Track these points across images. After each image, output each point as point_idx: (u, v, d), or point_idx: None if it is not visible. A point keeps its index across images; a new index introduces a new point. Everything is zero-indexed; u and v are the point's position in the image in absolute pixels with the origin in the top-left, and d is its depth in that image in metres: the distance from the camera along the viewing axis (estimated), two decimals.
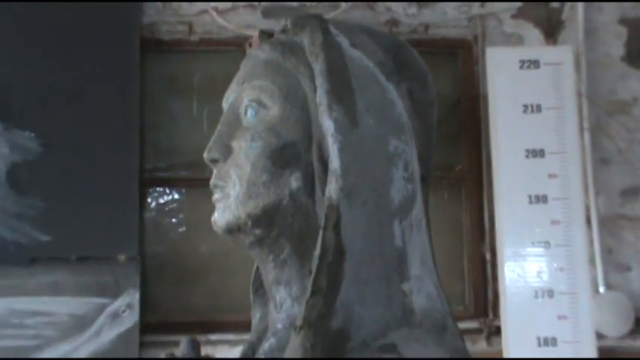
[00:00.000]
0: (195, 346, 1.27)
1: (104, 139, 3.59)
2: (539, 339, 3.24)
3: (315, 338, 1.11)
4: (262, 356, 1.29)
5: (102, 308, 3.47)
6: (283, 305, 1.29)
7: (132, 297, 3.48)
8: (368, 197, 1.21)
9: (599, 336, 3.46)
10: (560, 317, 3.24)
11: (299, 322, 1.13)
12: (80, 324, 3.46)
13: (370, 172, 1.22)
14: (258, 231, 1.27)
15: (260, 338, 1.35)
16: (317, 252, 1.16)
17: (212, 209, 1.31)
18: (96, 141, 3.58)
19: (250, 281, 1.43)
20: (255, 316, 1.41)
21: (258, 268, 1.37)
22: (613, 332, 3.58)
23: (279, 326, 1.29)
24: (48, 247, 3.50)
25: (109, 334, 3.46)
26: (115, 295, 3.49)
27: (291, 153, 1.26)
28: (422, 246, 1.28)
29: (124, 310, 3.47)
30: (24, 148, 3.55)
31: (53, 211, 3.52)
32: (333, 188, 1.18)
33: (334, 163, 1.19)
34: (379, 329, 1.18)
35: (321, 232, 1.17)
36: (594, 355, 3.29)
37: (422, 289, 1.25)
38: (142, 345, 3.48)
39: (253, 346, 1.35)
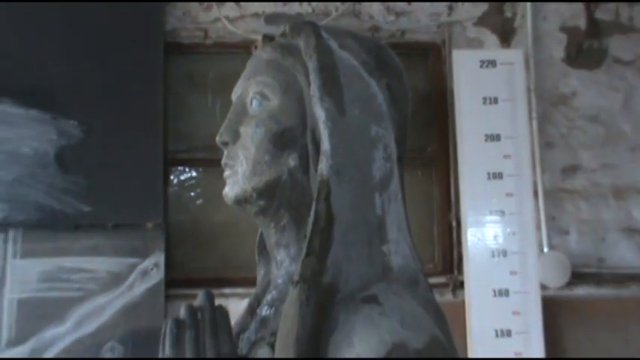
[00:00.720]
0: (210, 298, 1.25)
1: (134, 126, 3.59)
2: (494, 290, 3.25)
3: (309, 291, 1.11)
4: (266, 306, 1.29)
5: (133, 267, 3.47)
6: (283, 264, 1.29)
7: (158, 258, 3.48)
8: (353, 174, 1.21)
9: (543, 287, 3.48)
10: (512, 273, 3.25)
11: (296, 278, 1.13)
12: (116, 280, 3.46)
13: (355, 153, 1.22)
14: (261, 202, 1.27)
15: (264, 291, 1.36)
16: (311, 219, 1.16)
17: (224, 185, 1.31)
18: (127, 128, 3.58)
19: (255, 245, 1.42)
20: (260, 273, 1.41)
21: (262, 233, 1.37)
22: (554, 284, 3.60)
23: (280, 281, 1.29)
24: (89, 216, 3.51)
25: (140, 288, 3.46)
26: (144, 256, 3.49)
27: (289, 137, 1.27)
28: (398, 215, 1.28)
29: (151, 269, 3.47)
30: (69, 134, 3.55)
31: (93, 187, 3.52)
32: (324, 166, 1.19)
33: (325, 145, 1.20)
34: (363, 283, 1.18)
35: (314, 203, 1.17)
36: (539, 302, 3.28)
37: (398, 250, 1.25)
38: (167, 297, 3.48)
39: (258, 297, 1.36)
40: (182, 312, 1.24)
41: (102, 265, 3.47)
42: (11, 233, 3.47)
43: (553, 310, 3.34)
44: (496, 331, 3.18)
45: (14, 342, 3.38)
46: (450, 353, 1.17)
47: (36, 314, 3.42)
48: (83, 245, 3.49)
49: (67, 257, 3.48)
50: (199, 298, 1.26)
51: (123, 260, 3.48)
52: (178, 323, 1.23)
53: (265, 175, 1.26)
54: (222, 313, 1.25)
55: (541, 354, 3.18)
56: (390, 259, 1.24)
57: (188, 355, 1.21)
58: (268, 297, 1.30)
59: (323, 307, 1.12)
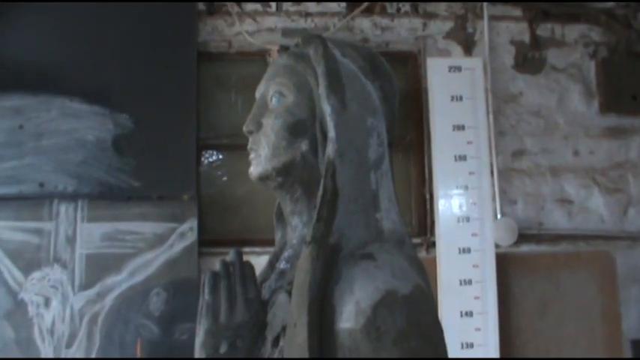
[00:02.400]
0: (239, 254, 1.25)
1: (173, 118, 3.58)
2: (459, 249, 3.25)
3: (319, 250, 1.11)
4: (283, 261, 1.29)
5: (173, 230, 3.47)
6: (297, 228, 1.29)
7: (192, 223, 3.48)
8: (353, 156, 1.20)
9: (497, 246, 3.48)
10: (473, 234, 3.25)
11: (308, 239, 1.12)
12: (159, 240, 3.46)
13: (355, 140, 1.22)
14: (279, 179, 1.27)
15: (281, 250, 1.35)
16: (320, 193, 1.16)
17: (245, 165, 1.31)
18: (168, 119, 3.57)
19: (274, 213, 1.41)
20: (277, 235, 1.40)
21: (279, 204, 1.36)
22: (505, 243, 3.60)
23: (294, 242, 1.29)
24: (138, 190, 3.51)
25: (178, 247, 3.46)
26: (181, 221, 3.48)
27: (301, 127, 1.26)
28: (388, 189, 1.27)
29: (187, 231, 3.47)
30: (122, 125, 3.55)
31: (141, 166, 3.52)
32: (330, 150, 1.18)
33: (331, 133, 1.19)
34: (361, 244, 1.17)
35: (322, 180, 1.17)
36: (493, 258, 3.29)
37: (389, 217, 1.25)
38: (200, 254, 3.48)
39: (277, 255, 1.36)
40: (217, 266, 1.24)
41: (149, 228, 3.47)
42: (79, 203, 3.48)
43: (504, 263, 3.35)
44: (460, 280, 3.18)
45: (84, 287, 3.41)
46: (429, 298, 1.17)
47: (99, 266, 3.43)
48: (134, 212, 3.49)
49: (122, 222, 3.48)
50: (230, 254, 1.26)
51: (165, 224, 3.48)
52: (215, 275, 1.23)
53: (283, 157, 1.25)
54: (249, 267, 1.26)
55: (494, 298, 3.18)
56: (382, 224, 1.23)
57: (223, 299, 1.22)
58: (285, 254, 1.30)
59: (329, 262, 1.12)
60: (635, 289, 3.95)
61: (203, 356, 1.22)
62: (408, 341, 1.05)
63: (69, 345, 3.35)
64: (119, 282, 3.41)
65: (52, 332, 3.36)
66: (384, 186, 1.26)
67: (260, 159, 1.27)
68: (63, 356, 3.33)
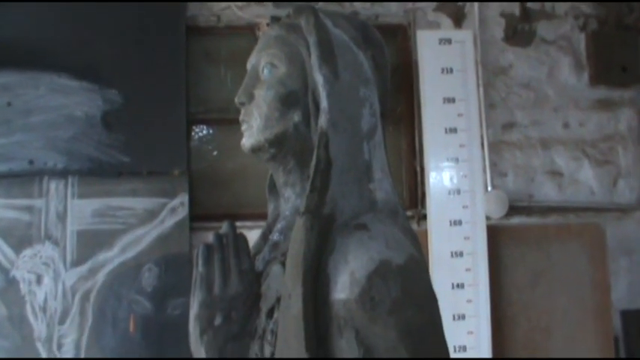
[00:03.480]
0: (233, 226, 1.25)
1: (163, 93, 3.56)
2: (450, 221, 3.24)
3: (313, 220, 1.10)
4: (276, 233, 1.28)
5: (164, 205, 3.46)
6: (290, 200, 1.28)
7: (183, 198, 3.47)
8: (346, 126, 1.19)
9: (487, 218, 3.48)
10: (464, 207, 3.24)
11: (302, 210, 1.12)
12: (150, 215, 3.46)
13: (347, 110, 1.21)
14: (272, 150, 1.25)
15: (274, 221, 1.34)
16: (313, 163, 1.15)
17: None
18: (157, 95, 3.55)
19: (266, 185, 1.40)
20: (270, 208, 1.39)
21: (272, 175, 1.35)
22: (495, 215, 3.61)
23: (287, 213, 1.28)
24: (128, 165, 3.49)
25: (169, 222, 3.46)
26: (172, 196, 3.48)
27: (294, 98, 1.24)
28: (381, 159, 1.26)
29: (178, 207, 3.46)
30: (111, 101, 3.53)
31: (131, 142, 3.51)
32: (323, 120, 1.17)
33: (323, 103, 1.18)
34: (354, 214, 1.17)
35: (315, 150, 1.16)
36: (484, 230, 3.29)
37: (382, 188, 1.24)
38: (191, 229, 3.47)
39: (270, 227, 1.35)
40: (211, 238, 1.24)
41: (139, 204, 3.46)
42: (70, 179, 3.47)
43: (495, 235, 3.35)
44: (451, 252, 3.19)
45: (76, 263, 3.41)
46: (424, 268, 1.17)
47: (91, 242, 3.42)
48: (125, 188, 3.48)
49: (113, 198, 3.47)
50: (224, 226, 1.26)
51: (156, 200, 3.47)
52: (208, 247, 1.23)
53: (275, 129, 1.24)
54: (243, 239, 1.26)
55: (485, 269, 3.19)
56: (376, 195, 1.23)
57: (216, 271, 1.21)
58: (278, 226, 1.29)
59: (323, 232, 1.12)
60: (625, 261, 3.97)
61: (197, 329, 1.21)
62: (402, 311, 1.05)
63: (62, 322, 3.35)
64: (111, 258, 3.41)
65: (44, 309, 3.36)
66: (377, 156, 1.25)
67: (252, 130, 1.26)
68: (56, 333, 3.33)
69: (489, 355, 3.14)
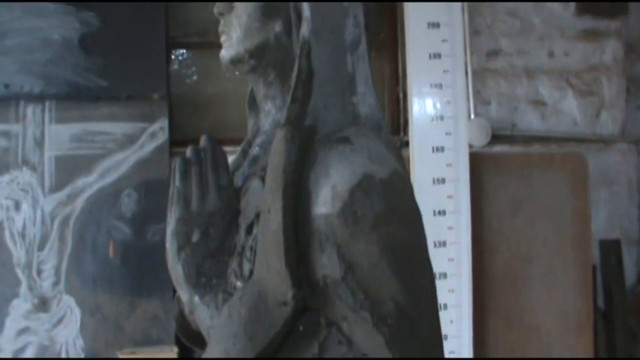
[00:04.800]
0: (211, 140, 1.20)
1: (141, 15, 3.50)
2: (432, 148, 3.19)
3: (294, 131, 1.05)
4: (257, 147, 1.23)
5: (143, 130, 3.43)
6: (270, 113, 1.22)
7: (163, 122, 3.44)
8: (329, 36, 1.14)
9: (470, 146, 3.44)
10: (447, 133, 3.19)
11: (282, 121, 1.07)
12: (130, 140, 3.43)
13: (330, 19, 1.15)
14: (252, 62, 1.19)
15: (254, 137, 1.29)
16: (294, 73, 1.10)
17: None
18: (136, 17, 3.49)
19: (246, 101, 1.34)
20: (250, 123, 1.33)
21: (252, 89, 1.29)
22: (478, 143, 3.61)
23: (267, 127, 1.23)
24: (107, 90, 3.44)
25: (149, 147, 3.43)
26: (151, 121, 3.44)
27: (274, 7, 1.17)
28: (365, 72, 1.21)
29: (158, 131, 3.43)
30: (89, 23, 3.47)
31: (109, 66, 3.45)
32: (305, 30, 1.11)
33: (305, 12, 1.12)
34: (337, 127, 1.12)
35: (297, 60, 1.10)
36: (467, 157, 3.25)
37: (365, 101, 1.19)
38: (171, 154, 3.44)
39: (249, 142, 1.29)
40: (188, 152, 1.20)
41: (118, 128, 3.42)
42: (47, 104, 3.42)
43: (477, 163, 3.32)
44: (433, 179, 3.15)
45: (54, 189, 3.38)
46: (408, 184, 1.13)
47: (69, 168, 3.39)
48: (103, 113, 3.43)
49: (91, 123, 3.42)
50: (202, 140, 1.22)
51: (135, 125, 3.43)
52: (185, 161, 1.19)
53: (255, 39, 1.17)
54: (221, 153, 1.21)
55: (467, 197, 3.17)
56: (359, 109, 1.17)
57: (194, 186, 1.17)
58: (258, 141, 1.25)
59: (305, 145, 1.06)
60: (605, 192, 3.99)
61: (174, 245, 1.18)
62: (386, 226, 1.01)
63: (41, 248, 3.34)
64: (90, 184, 3.38)
65: (23, 235, 3.34)
66: (361, 69, 1.20)
67: (232, 41, 1.20)
68: (35, 259, 3.32)
69: (469, 281, 3.14)
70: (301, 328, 1.02)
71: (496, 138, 3.73)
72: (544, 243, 3.40)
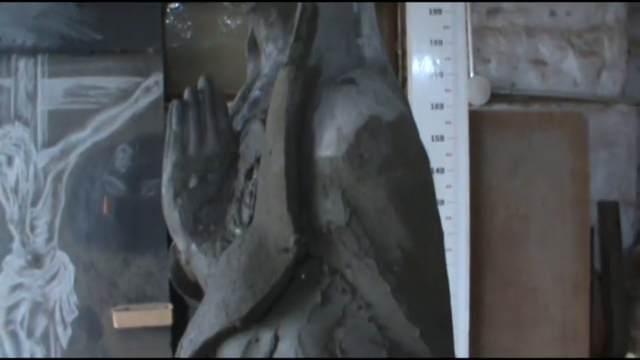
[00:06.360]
0: (210, 82, 1.15)
1: None
2: (432, 104, 3.14)
3: (297, 71, 0.99)
4: (257, 90, 1.18)
5: (138, 84, 3.35)
6: (271, 55, 1.17)
7: (158, 77, 3.35)
8: None
9: (469, 104, 3.38)
10: (446, 90, 3.13)
11: (285, 61, 1.00)
12: (124, 95, 3.34)
13: None
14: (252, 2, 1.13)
15: (254, 80, 1.23)
16: (298, 11, 1.03)
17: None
18: None
19: (245, 44, 1.29)
20: (250, 67, 1.28)
21: (252, 31, 1.23)
22: (477, 102, 3.56)
23: (268, 70, 1.17)
24: (101, 43, 3.34)
25: (144, 102, 3.35)
26: (146, 75, 3.35)
27: None
28: (370, 15, 1.15)
29: (153, 86, 3.36)
30: None
31: (103, 19, 3.35)
32: None
33: None
34: (341, 69, 1.06)
35: None
36: (466, 114, 3.20)
37: (370, 44, 1.13)
38: (165, 109, 3.35)
39: (249, 86, 1.24)
40: (185, 94, 1.14)
41: (113, 83, 3.34)
42: (39, 57, 3.32)
43: (476, 121, 3.27)
44: (432, 136, 3.09)
45: (47, 144, 3.31)
46: (414, 128, 1.08)
47: (62, 123, 3.31)
48: (97, 67, 3.34)
49: (85, 77, 3.34)
50: (200, 81, 1.17)
51: (129, 79, 3.35)
52: (182, 103, 1.14)
53: None
54: (220, 95, 1.16)
55: (466, 155, 3.12)
56: (364, 51, 1.12)
57: (192, 129, 1.12)
58: (258, 83, 1.19)
59: (308, 86, 1.01)
60: (604, 153, 3.95)
61: (171, 191, 1.13)
62: (393, 169, 0.96)
63: (34, 203, 3.29)
64: (83, 138, 3.32)
65: (16, 191, 3.29)
66: (366, 11, 1.14)
67: None
68: (28, 214, 3.27)
69: (466, 240, 3.11)
70: (303, 276, 0.97)
71: (495, 97, 3.68)
72: (542, 203, 3.37)
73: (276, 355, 0.94)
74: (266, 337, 0.96)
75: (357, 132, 0.96)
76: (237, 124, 1.17)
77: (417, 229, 0.97)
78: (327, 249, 0.97)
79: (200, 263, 1.10)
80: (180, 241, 1.13)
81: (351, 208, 0.95)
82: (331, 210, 0.96)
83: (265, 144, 1.00)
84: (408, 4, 3.23)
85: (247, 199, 1.08)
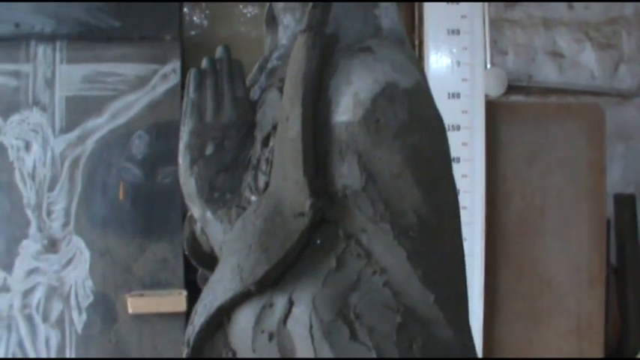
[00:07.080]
0: (228, 51, 1.15)
1: None
2: (448, 93, 3.13)
3: (315, 37, 0.99)
4: (274, 60, 1.18)
5: (155, 71, 3.36)
6: (289, 27, 1.17)
7: (175, 64, 3.36)
8: None
9: (486, 96, 3.37)
10: (463, 80, 3.12)
11: (303, 28, 1.01)
12: (142, 82, 3.35)
13: None
14: None
15: (271, 54, 1.23)
16: None
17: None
18: None
19: (264, 17, 1.29)
20: (267, 41, 1.28)
21: (270, 6, 1.23)
22: (494, 93, 3.52)
23: (285, 41, 1.17)
24: (119, 30, 3.36)
25: (161, 89, 3.36)
26: (163, 62, 3.36)
27: None
28: None
29: (170, 73, 3.36)
30: None
31: (122, 6, 3.37)
32: None
33: None
34: (358, 37, 1.07)
35: None
36: (483, 104, 3.19)
37: (387, 15, 1.13)
38: (182, 96, 3.35)
39: (266, 58, 1.24)
40: (203, 62, 1.15)
41: (130, 70, 3.35)
42: (58, 44, 3.34)
43: (492, 111, 3.26)
44: (448, 125, 2.95)
45: (65, 130, 3.32)
46: (431, 96, 1.07)
47: (80, 109, 3.32)
48: (115, 54, 3.35)
49: (103, 63, 3.35)
50: (218, 51, 1.17)
51: (147, 66, 3.36)
52: (200, 71, 1.14)
53: None
54: (238, 64, 1.16)
55: (482, 144, 3.11)
56: (381, 21, 1.12)
57: (209, 97, 1.12)
58: (276, 54, 1.19)
59: (325, 53, 1.01)
60: (621, 146, 3.93)
61: (187, 159, 1.13)
62: (409, 135, 0.96)
63: (51, 189, 3.31)
64: (100, 125, 3.33)
65: (33, 176, 3.31)
66: None
67: None
68: (45, 200, 3.29)
69: (482, 230, 3.10)
70: (318, 241, 0.97)
71: (512, 89, 3.65)
72: (558, 194, 3.35)
73: (290, 320, 0.94)
74: (280, 302, 0.96)
75: (374, 98, 0.96)
76: (255, 94, 1.17)
77: (433, 194, 0.97)
78: (342, 214, 0.97)
79: (215, 230, 1.10)
80: (195, 209, 1.13)
81: (367, 172, 0.95)
82: (347, 175, 0.96)
83: (282, 110, 1.01)
84: None
85: (263, 167, 1.08)
